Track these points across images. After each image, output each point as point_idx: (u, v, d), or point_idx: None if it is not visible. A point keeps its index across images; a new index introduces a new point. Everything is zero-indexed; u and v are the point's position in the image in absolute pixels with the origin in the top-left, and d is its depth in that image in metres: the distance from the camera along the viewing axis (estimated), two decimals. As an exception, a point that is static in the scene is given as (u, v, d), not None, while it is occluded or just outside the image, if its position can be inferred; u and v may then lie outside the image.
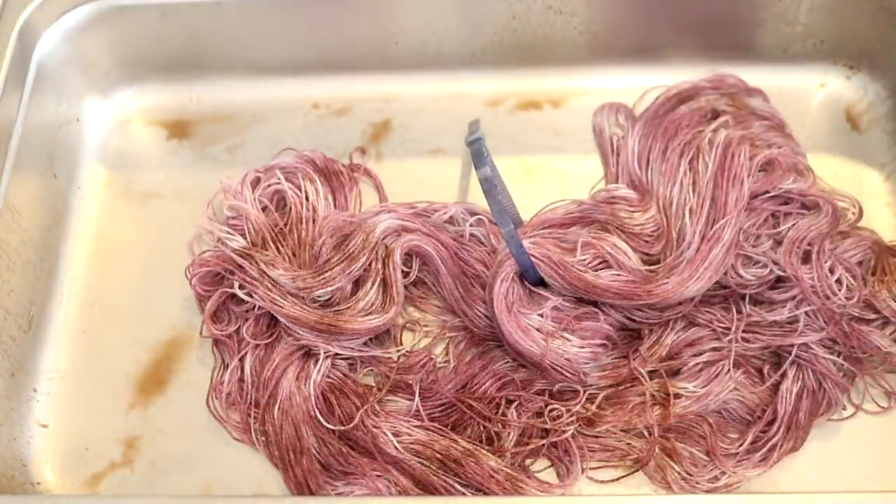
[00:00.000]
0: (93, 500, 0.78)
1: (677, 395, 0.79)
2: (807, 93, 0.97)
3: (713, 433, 0.78)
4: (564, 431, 0.77)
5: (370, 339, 0.83)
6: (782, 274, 0.80)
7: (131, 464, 0.80)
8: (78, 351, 0.86)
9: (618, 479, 0.77)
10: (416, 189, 0.91)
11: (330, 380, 0.81)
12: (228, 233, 0.86)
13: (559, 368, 0.79)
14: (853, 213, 0.86)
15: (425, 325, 0.85)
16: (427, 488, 0.76)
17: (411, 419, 0.79)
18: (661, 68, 0.97)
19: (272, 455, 0.79)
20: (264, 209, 0.88)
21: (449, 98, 0.98)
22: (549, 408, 0.79)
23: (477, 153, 0.79)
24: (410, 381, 0.81)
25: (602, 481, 0.77)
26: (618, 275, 0.79)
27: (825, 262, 0.80)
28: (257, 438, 0.80)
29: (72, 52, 0.93)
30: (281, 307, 0.80)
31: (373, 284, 0.81)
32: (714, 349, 0.81)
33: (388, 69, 0.98)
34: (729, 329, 0.80)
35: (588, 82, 0.98)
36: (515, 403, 0.79)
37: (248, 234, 0.86)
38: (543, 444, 0.78)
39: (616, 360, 0.81)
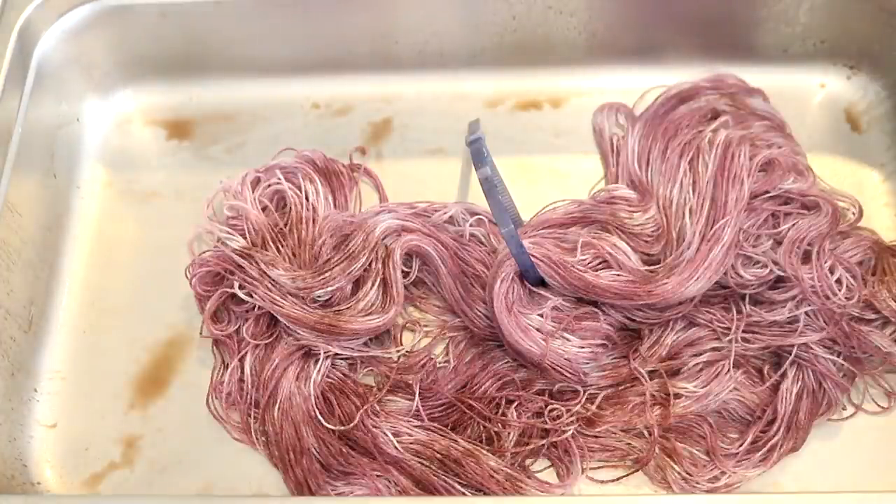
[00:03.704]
0: (93, 500, 0.78)
1: (677, 395, 0.79)
2: (807, 93, 0.97)
3: (713, 433, 0.78)
4: (564, 431, 0.77)
5: (370, 339, 0.83)
6: (782, 274, 0.80)
7: (131, 464, 0.80)
8: (78, 351, 0.86)
9: (618, 479, 0.77)
10: (416, 189, 0.91)
11: (330, 380, 0.81)
12: (228, 233, 0.86)
13: (559, 368, 0.79)
14: (853, 213, 0.86)
15: (425, 325, 0.85)
16: (427, 488, 0.76)
17: (411, 419, 0.79)
18: (661, 68, 0.97)
19: (272, 455, 0.79)
20: (264, 209, 0.88)
21: (449, 98, 0.98)
22: (549, 408, 0.79)
23: (477, 153, 0.79)
24: (410, 381, 0.81)
25: (602, 481, 0.77)
26: (618, 275, 0.79)
27: (825, 262, 0.80)
28: (257, 438, 0.80)
29: (72, 52, 0.93)
30: (281, 307, 0.80)
31: (373, 284, 0.81)
32: (714, 349, 0.81)
33: (388, 69, 0.98)
34: (729, 329, 0.80)
35: (588, 82, 0.98)
36: (515, 403, 0.79)
37: (248, 234, 0.86)
38: (543, 444, 0.78)
39: (616, 360, 0.81)
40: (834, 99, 0.97)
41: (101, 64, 0.96)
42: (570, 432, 0.77)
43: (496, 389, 0.80)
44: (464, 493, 0.75)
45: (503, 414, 0.79)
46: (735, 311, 0.81)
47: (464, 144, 0.90)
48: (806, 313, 0.80)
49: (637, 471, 0.77)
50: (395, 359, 0.83)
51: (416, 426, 0.78)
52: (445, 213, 0.87)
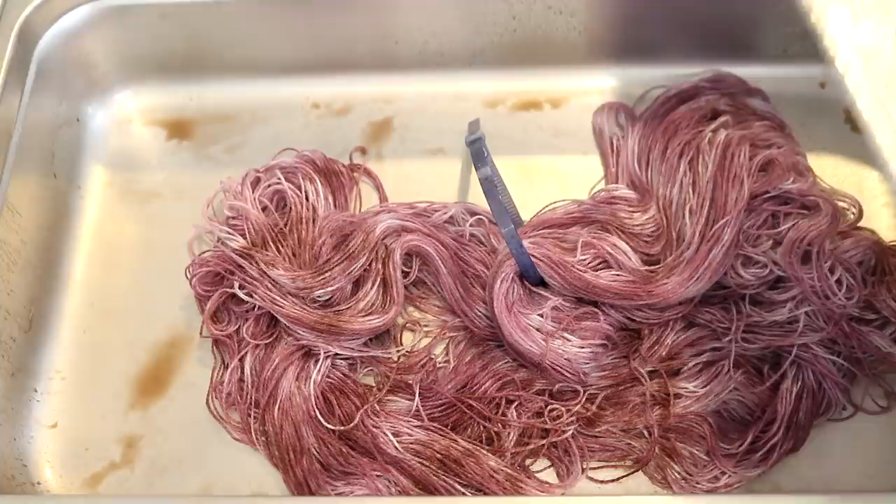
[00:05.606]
0: (93, 500, 0.78)
1: (677, 395, 0.79)
2: (807, 93, 0.97)
3: (713, 433, 0.78)
4: (564, 431, 0.77)
5: (370, 339, 0.83)
6: (782, 274, 0.80)
7: (131, 464, 0.80)
8: (78, 351, 0.86)
9: (618, 479, 0.77)
10: (416, 189, 0.91)
11: (330, 380, 0.81)
12: (228, 233, 0.86)
13: (559, 368, 0.79)
14: (853, 213, 0.86)
15: (425, 325, 0.85)
16: (427, 488, 0.76)
17: (411, 419, 0.79)
18: (661, 68, 0.97)
19: (272, 455, 0.79)
20: (264, 209, 0.88)
21: (449, 98, 0.98)
22: (549, 408, 0.79)
23: (477, 153, 0.79)
24: (410, 381, 0.80)
25: (602, 481, 0.77)
26: (618, 275, 0.79)
27: (825, 262, 0.80)
28: (257, 438, 0.80)
29: (72, 52, 0.93)
30: (281, 307, 0.80)
31: (373, 284, 0.81)
32: (714, 349, 0.81)
33: (388, 69, 0.98)
34: (729, 329, 0.80)
35: (588, 82, 0.98)
36: (515, 403, 0.79)
37: (248, 234, 0.86)
38: (543, 444, 0.78)
39: (616, 360, 0.81)
40: (834, 99, 0.96)
41: (101, 64, 0.96)
42: (570, 432, 0.77)
43: (496, 389, 0.80)
44: (464, 493, 0.75)
45: (503, 414, 0.79)
46: (735, 312, 0.81)
47: (464, 144, 0.90)
48: (806, 313, 0.79)
49: (637, 471, 0.77)
50: (395, 359, 0.83)
51: (416, 426, 0.78)
52: (445, 213, 0.87)
